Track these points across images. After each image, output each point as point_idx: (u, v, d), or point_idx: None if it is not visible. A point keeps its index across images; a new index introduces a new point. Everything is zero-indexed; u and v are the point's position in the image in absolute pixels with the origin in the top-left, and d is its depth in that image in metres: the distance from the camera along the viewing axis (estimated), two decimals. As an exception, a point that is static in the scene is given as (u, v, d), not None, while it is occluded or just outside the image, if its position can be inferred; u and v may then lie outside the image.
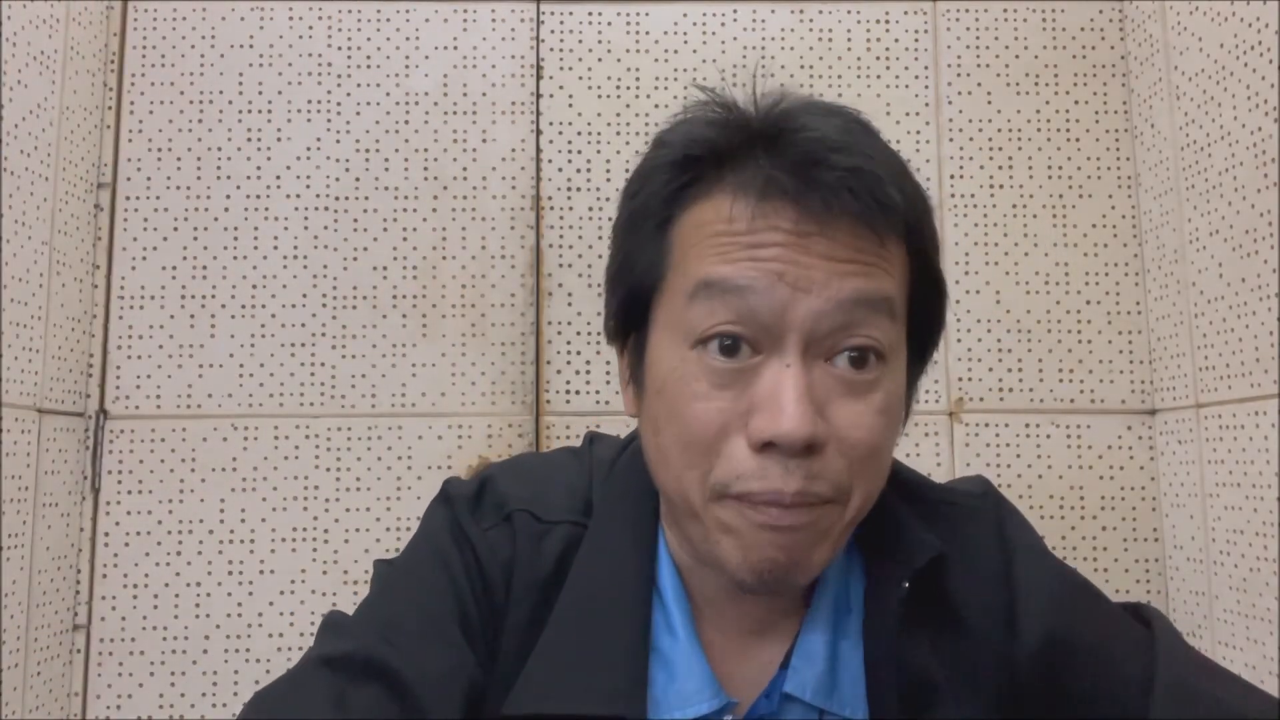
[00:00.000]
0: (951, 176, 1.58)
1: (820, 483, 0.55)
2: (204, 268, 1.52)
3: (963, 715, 0.61)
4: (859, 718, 0.62)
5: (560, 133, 1.58)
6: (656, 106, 1.58)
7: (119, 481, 1.48)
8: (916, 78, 1.60)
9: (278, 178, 1.55)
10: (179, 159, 1.55)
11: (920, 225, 0.60)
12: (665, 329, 0.59)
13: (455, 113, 1.58)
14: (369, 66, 1.58)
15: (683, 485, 0.58)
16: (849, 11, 1.60)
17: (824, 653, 0.62)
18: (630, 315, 0.63)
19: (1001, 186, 1.57)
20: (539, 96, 1.58)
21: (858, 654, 0.63)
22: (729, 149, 0.59)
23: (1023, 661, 0.62)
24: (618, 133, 1.58)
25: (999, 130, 1.59)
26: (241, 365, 1.51)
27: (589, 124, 1.58)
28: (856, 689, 0.62)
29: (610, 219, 1.63)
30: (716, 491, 0.56)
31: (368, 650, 0.58)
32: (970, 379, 1.54)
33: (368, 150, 1.56)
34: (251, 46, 1.57)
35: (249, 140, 1.55)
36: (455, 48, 1.59)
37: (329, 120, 1.56)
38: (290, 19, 1.58)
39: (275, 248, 1.53)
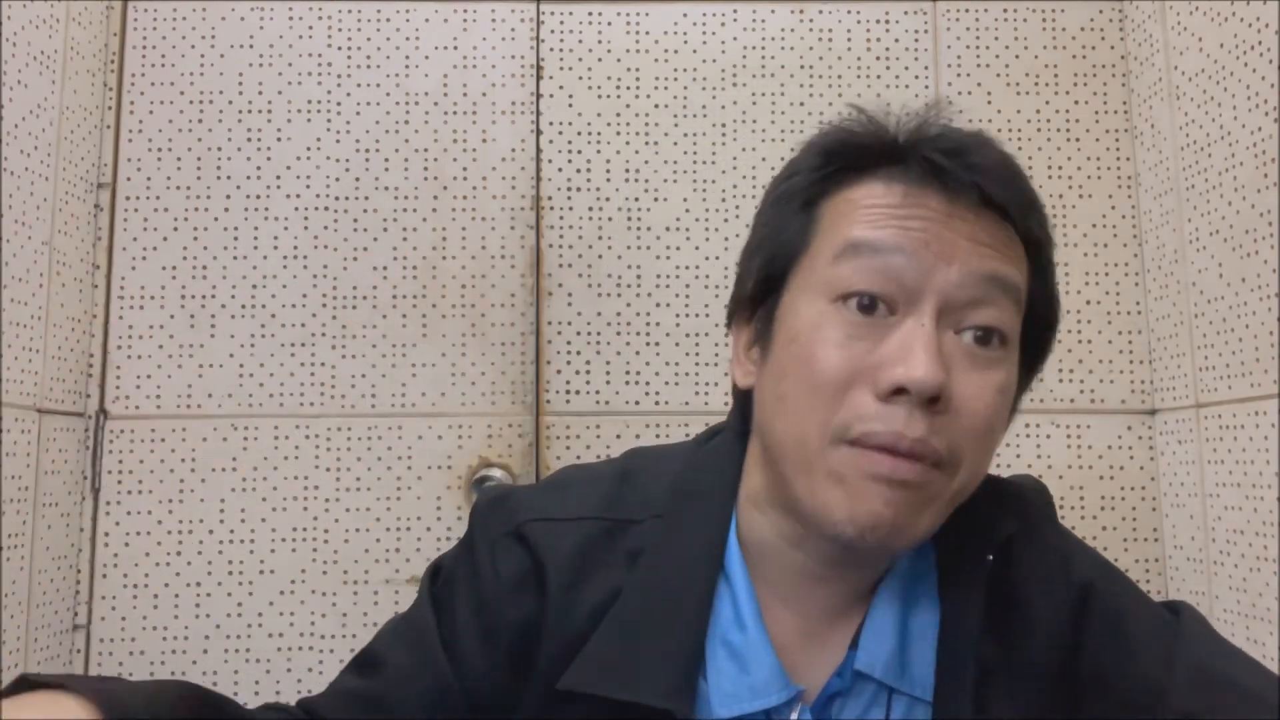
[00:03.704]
0: (951, 176, 1.57)
1: (938, 439, 0.57)
2: (204, 268, 1.52)
3: (1024, 705, 0.62)
4: (927, 699, 0.63)
5: (560, 133, 1.58)
6: (656, 106, 1.58)
7: (119, 481, 1.48)
8: (916, 78, 1.60)
9: (278, 178, 1.55)
10: (179, 159, 1.54)
11: (1047, 239, 0.65)
12: (804, 289, 0.62)
13: (455, 113, 1.58)
14: (369, 66, 1.58)
15: (802, 430, 0.59)
16: (849, 11, 1.60)
17: (894, 632, 0.63)
18: (767, 282, 0.65)
19: (1001, 186, 1.57)
20: (539, 96, 1.58)
21: (927, 634, 0.64)
22: (878, 147, 0.63)
23: (1069, 628, 0.64)
24: (618, 133, 1.58)
25: (999, 130, 1.58)
26: (241, 365, 1.51)
27: (589, 124, 1.58)
28: (925, 669, 0.63)
29: (610, 219, 1.64)
30: (836, 435, 0.58)
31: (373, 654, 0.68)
32: (970, 379, 1.54)
33: (368, 150, 1.56)
34: (251, 46, 1.57)
35: (249, 140, 1.55)
36: (455, 48, 1.59)
37: (329, 120, 1.56)
38: (290, 19, 1.58)
39: (275, 248, 1.53)
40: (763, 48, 1.60)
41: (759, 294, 0.66)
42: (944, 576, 0.65)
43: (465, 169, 1.56)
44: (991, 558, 0.64)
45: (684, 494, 0.68)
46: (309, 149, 1.56)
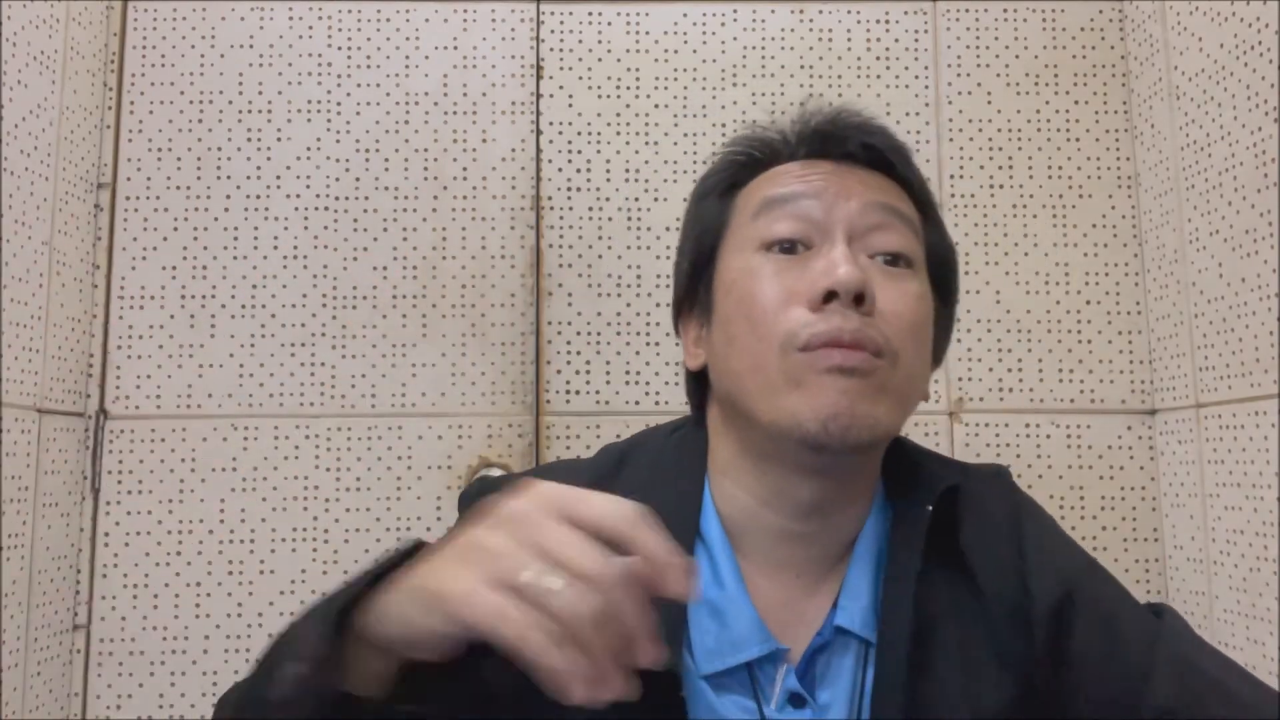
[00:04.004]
0: (951, 176, 1.58)
1: (873, 330, 0.64)
2: (204, 268, 1.52)
3: (968, 660, 0.65)
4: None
5: (560, 133, 1.58)
6: (656, 106, 1.58)
7: (119, 481, 1.48)
8: (916, 78, 1.60)
9: (278, 178, 1.55)
10: (179, 159, 1.54)
11: (925, 187, 0.73)
12: (733, 251, 0.71)
13: (455, 113, 1.57)
14: (369, 66, 1.58)
15: (755, 355, 0.66)
16: (849, 11, 1.60)
17: (869, 590, 0.68)
18: (698, 264, 0.74)
19: (1001, 186, 1.57)
20: (539, 96, 1.58)
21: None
22: (777, 145, 0.75)
23: (1039, 621, 0.66)
24: (618, 133, 1.58)
25: (999, 130, 1.59)
26: (241, 365, 1.51)
27: (589, 124, 1.58)
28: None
29: (610, 219, 1.64)
30: (786, 345, 0.64)
31: None
32: (970, 379, 1.54)
33: (368, 150, 1.56)
34: (251, 46, 1.57)
35: (249, 140, 1.55)
36: (455, 48, 1.59)
37: (329, 120, 1.56)
38: (290, 19, 1.58)
39: (275, 248, 1.53)
40: (763, 48, 1.60)
41: (694, 276, 0.75)
42: (894, 527, 0.70)
43: (465, 169, 1.56)
44: (931, 508, 0.68)
45: (657, 475, 0.73)
46: (309, 149, 1.56)
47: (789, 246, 0.68)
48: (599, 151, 1.57)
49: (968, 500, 0.71)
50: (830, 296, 0.64)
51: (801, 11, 1.60)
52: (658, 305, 1.54)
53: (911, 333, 0.66)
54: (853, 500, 0.70)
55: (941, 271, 0.73)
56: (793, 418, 0.63)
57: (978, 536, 0.69)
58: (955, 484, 0.70)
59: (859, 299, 0.63)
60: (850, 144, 0.70)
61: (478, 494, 0.72)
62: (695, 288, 0.74)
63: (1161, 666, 0.63)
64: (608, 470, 0.74)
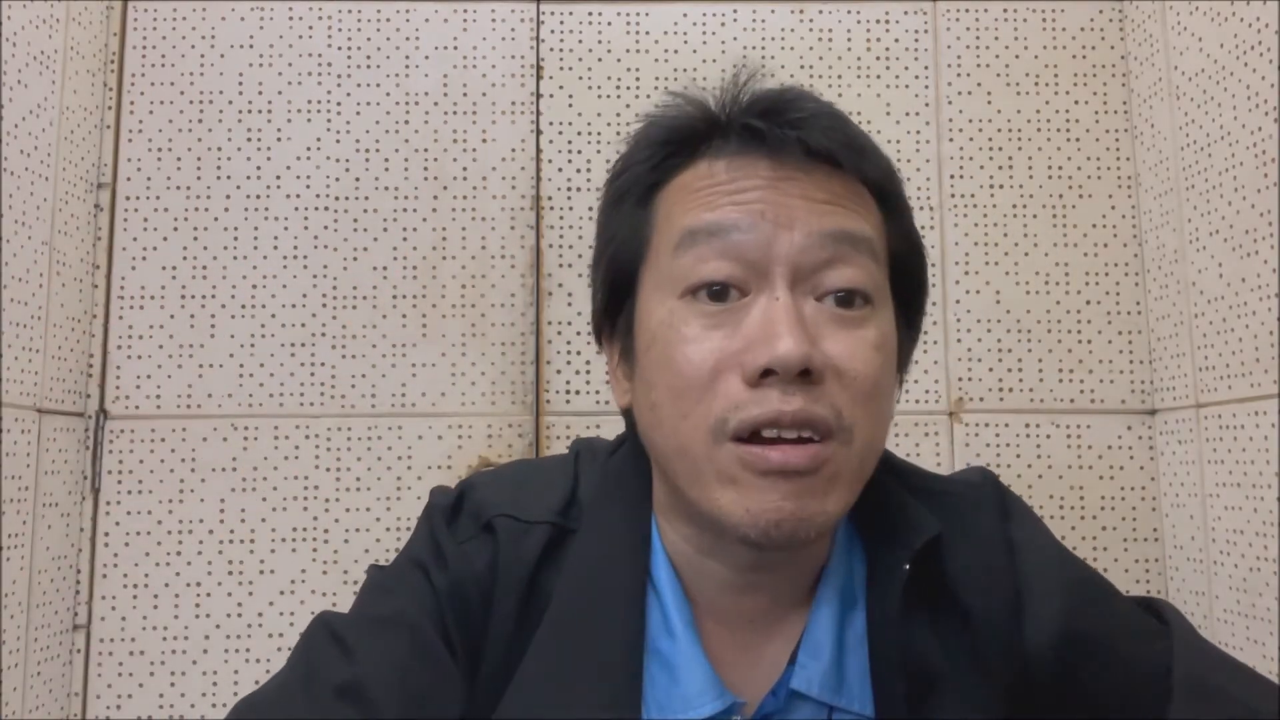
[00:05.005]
0: (951, 176, 1.58)
1: (821, 405, 0.54)
2: (204, 268, 1.52)
3: (966, 705, 0.60)
4: (867, 713, 0.60)
5: (560, 133, 1.58)
6: (656, 107, 1.58)
7: (119, 481, 1.48)
8: (916, 78, 1.60)
9: (278, 178, 1.55)
10: (179, 159, 1.54)
11: (889, 178, 0.62)
12: (653, 289, 0.60)
13: (455, 113, 1.58)
14: (369, 66, 1.58)
15: (681, 436, 0.57)
16: (849, 11, 1.60)
17: (830, 646, 0.61)
18: (616, 290, 0.63)
19: (1001, 186, 1.57)
20: (539, 96, 1.58)
21: (864, 646, 0.62)
22: (701, 127, 0.62)
23: (1035, 655, 0.61)
24: (618, 133, 1.58)
25: (999, 130, 1.59)
26: (241, 365, 1.51)
27: (589, 124, 1.58)
28: (864, 682, 0.61)
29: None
30: (716, 432, 0.55)
31: (353, 676, 0.58)
32: (970, 379, 1.54)
33: (368, 150, 1.56)
34: (251, 46, 1.57)
35: (249, 140, 1.55)
36: (455, 48, 1.59)
37: (329, 120, 1.56)
38: (290, 19, 1.58)
39: (275, 248, 1.53)
40: (763, 48, 1.60)
41: (611, 304, 0.64)
42: (871, 584, 0.63)
43: (465, 169, 1.56)
44: (908, 566, 0.61)
45: (606, 505, 0.65)
46: (309, 149, 1.56)
47: (719, 290, 0.56)
48: (599, 151, 1.57)
49: (953, 537, 0.63)
50: (769, 372, 0.54)
51: (801, 11, 1.60)
52: (658, 305, 1.54)
53: (868, 395, 0.56)
54: (806, 551, 0.62)
55: (907, 284, 0.62)
56: (728, 519, 0.55)
57: (968, 573, 0.62)
58: (935, 535, 0.62)
59: (804, 372, 0.54)
60: (791, 145, 0.58)
61: (450, 508, 0.66)
62: (614, 319, 0.64)
63: (1179, 694, 0.59)
64: (571, 489, 0.66)
